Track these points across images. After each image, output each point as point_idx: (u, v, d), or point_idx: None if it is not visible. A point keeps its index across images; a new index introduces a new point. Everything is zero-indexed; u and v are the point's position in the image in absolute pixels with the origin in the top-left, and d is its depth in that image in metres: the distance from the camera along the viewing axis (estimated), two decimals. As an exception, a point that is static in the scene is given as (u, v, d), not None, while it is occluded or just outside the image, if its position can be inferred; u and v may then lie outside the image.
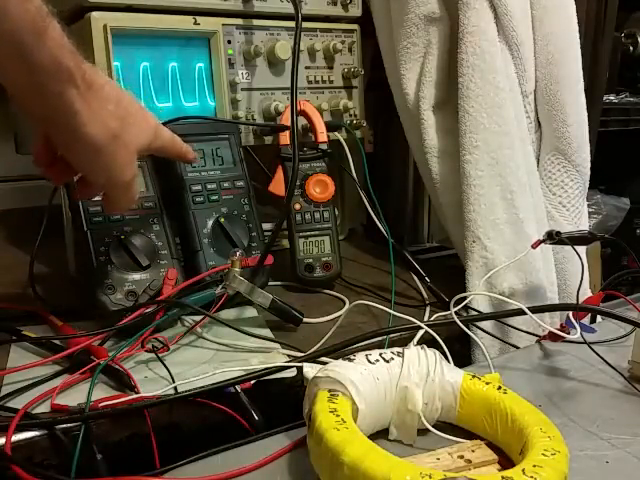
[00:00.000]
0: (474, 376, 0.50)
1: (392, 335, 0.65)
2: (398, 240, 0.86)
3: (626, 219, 1.67)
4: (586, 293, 0.79)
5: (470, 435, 0.49)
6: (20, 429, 0.49)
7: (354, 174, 0.89)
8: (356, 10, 0.95)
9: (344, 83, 0.96)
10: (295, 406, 0.50)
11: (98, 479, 0.46)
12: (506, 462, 0.45)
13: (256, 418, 0.55)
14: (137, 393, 0.54)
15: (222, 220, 0.76)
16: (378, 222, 0.84)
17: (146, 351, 0.63)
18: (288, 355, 0.65)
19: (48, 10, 0.46)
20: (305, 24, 0.86)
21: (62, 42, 0.47)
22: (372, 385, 0.47)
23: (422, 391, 0.48)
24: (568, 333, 0.62)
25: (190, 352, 0.66)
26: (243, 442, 0.49)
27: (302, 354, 0.62)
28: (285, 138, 0.86)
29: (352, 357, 0.50)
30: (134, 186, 0.59)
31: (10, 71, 0.47)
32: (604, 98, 1.27)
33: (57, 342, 0.63)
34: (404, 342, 0.64)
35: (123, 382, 0.56)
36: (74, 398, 0.54)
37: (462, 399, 0.49)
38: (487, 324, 0.74)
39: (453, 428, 0.50)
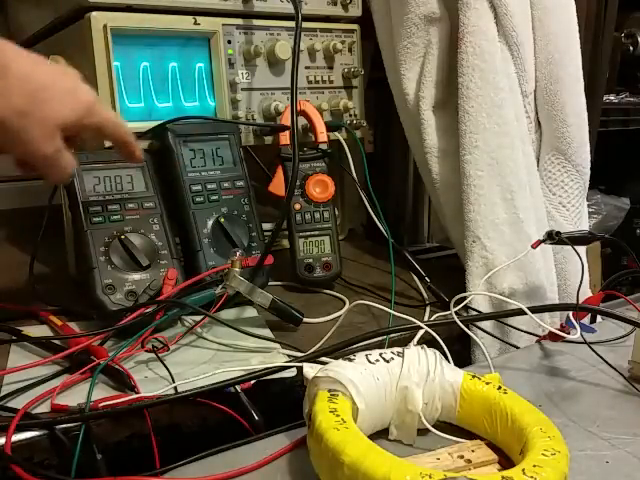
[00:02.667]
0: (474, 376, 0.50)
1: (392, 335, 0.65)
2: (398, 240, 0.86)
3: (626, 219, 1.67)
4: (586, 293, 0.79)
5: (470, 435, 0.49)
6: (20, 429, 0.49)
7: (354, 174, 0.89)
8: (356, 10, 0.95)
9: (344, 83, 0.96)
10: (295, 406, 0.50)
11: (98, 479, 0.47)
12: (506, 462, 0.45)
13: (256, 418, 0.55)
14: (137, 393, 0.54)
15: (222, 220, 0.76)
16: (378, 222, 0.84)
17: (146, 351, 0.63)
18: (288, 355, 0.65)
19: None
20: (305, 24, 0.86)
21: None
22: (372, 385, 0.47)
23: (422, 391, 0.48)
24: (568, 333, 0.62)
25: (190, 352, 0.66)
26: (243, 442, 0.49)
27: (302, 354, 0.62)
28: (285, 138, 0.86)
29: (352, 357, 0.50)
30: (60, 160, 0.57)
31: None
32: (604, 98, 1.27)
33: (57, 342, 0.63)
34: (404, 342, 0.64)
35: (123, 382, 0.56)
36: (74, 398, 0.54)
37: (462, 399, 0.49)
38: (487, 324, 0.74)
39: (453, 428, 0.50)
